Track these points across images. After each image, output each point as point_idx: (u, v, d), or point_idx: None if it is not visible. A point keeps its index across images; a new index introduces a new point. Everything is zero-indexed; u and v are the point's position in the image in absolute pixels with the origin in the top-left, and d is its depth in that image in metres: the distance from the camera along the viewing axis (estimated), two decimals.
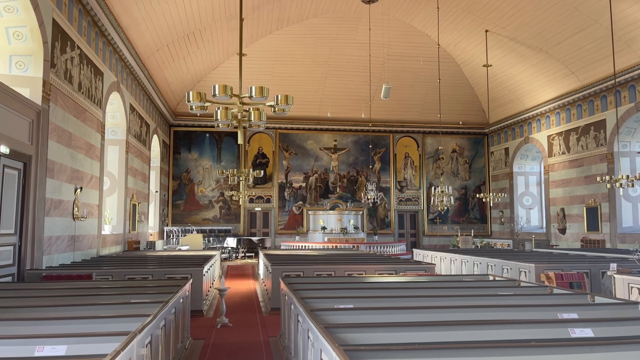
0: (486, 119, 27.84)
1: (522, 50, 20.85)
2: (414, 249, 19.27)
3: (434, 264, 11.91)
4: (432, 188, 23.54)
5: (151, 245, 20.30)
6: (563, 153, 22.21)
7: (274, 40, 22.75)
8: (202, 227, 25.20)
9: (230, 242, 23.59)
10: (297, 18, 21.62)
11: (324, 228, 24.79)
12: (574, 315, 4.88)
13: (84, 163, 12.69)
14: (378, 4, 20.39)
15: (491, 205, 27.62)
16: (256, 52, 22.42)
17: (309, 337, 4.43)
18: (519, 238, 24.00)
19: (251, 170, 15.43)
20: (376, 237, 26.43)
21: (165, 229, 24.45)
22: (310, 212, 26.41)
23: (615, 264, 9.62)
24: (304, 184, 27.20)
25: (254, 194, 26.40)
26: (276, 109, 8.10)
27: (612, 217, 19.05)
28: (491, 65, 22.27)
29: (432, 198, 21.60)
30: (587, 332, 4.16)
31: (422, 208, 28.10)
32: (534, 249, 19.05)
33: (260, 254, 15.96)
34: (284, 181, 27.05)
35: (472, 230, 25.69)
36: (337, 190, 27.44)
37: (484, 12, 19.42)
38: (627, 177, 14.61)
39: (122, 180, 16.61)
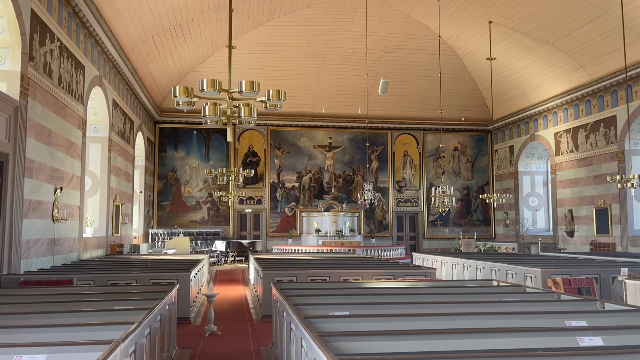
0: (490, 116, 27.88)
1: (528, 43, 20.93)
2: (413, 253, 19.30)
3: (435, 269, 11.94)
4: (433, 188, 23.52)
5: (135, 249, 20.25)
6: (571, 151, 22.29)
7: (266, 32, 22.73)
8: (190, 230, 25.16)
9: (219, 245, 23.56)
10: (290, 9, 21.62)
11: (318, 231, 24.81)
12: (583, 323, 4.89)
13: (64, 162, 12.64)
14: None
15: (495, 206, 27.59)
16: (247, 45, 22.38)
17: (302, 346, 4.44)
18: (525, 241, 24.09)
19: (241, 169, 15.42)
20: (374, 240, 26.46)
21: (151, 231, 24.40)
22: (303, 214, 26.42)
23: (627, 269, 9.65)
24: (297, 184, 27.20)
25: (244, 194, 26.37)
26: (268, 105, 8.10)
27: (623, 219, 19.13)
28: (495, 59, 22.32)
29: (433, 199, 21.62)
30: (596, 341, 4.18)
31: (422, 210, 28.15)
32: (540, 253, 19.11)
33: (251, 259, 15.95)
34: (276, 181, 27.04)
35: (475, 233, 25.72)
36: (333, 191, 27.46)
37: (488, 3, 19.46)
38: (639, 176, 14.67)
39: (105, 180, 16.57)
